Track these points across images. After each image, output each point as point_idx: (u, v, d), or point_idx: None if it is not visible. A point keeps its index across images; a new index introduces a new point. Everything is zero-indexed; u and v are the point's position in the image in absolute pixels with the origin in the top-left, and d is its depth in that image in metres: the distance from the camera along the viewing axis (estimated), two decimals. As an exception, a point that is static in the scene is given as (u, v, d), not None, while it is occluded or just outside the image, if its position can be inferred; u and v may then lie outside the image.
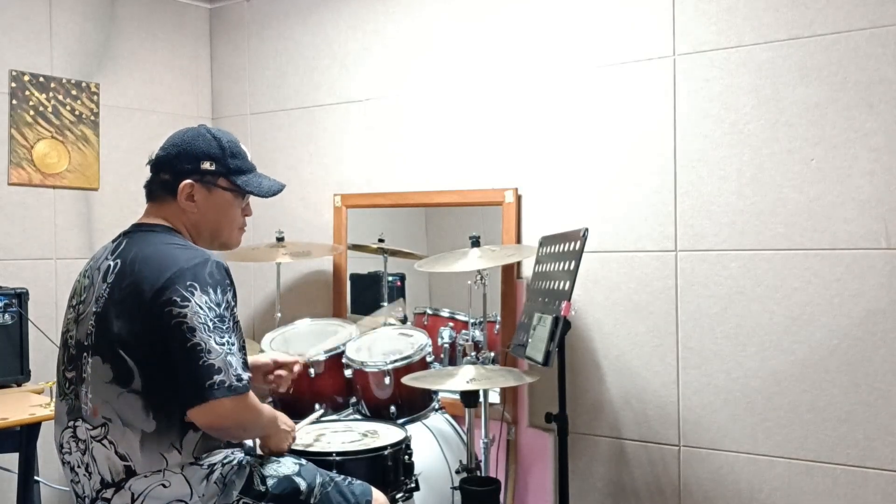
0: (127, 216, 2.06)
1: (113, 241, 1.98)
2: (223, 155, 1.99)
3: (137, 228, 1.98)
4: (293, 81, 3.78)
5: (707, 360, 2.73)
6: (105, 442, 1.81)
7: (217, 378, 1.74)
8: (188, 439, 1.83)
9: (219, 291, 1.81)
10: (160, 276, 1.79)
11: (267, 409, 1.98)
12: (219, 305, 1.80)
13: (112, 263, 1.89)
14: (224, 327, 1.80)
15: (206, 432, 1.83)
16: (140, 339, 1.79)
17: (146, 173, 2.04)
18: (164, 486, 1.80)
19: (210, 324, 1.77)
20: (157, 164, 2.01)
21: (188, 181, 1.96)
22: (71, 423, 1.89)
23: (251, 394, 1.83)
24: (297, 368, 2.26)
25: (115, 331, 1.81)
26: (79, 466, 1.87)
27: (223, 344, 1.77)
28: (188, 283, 1.78)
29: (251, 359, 2.21)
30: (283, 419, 2.09)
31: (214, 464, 1.86)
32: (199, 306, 1.77)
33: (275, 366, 2.23)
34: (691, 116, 2.74)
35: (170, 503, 1.80)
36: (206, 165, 1.97)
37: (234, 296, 1.87)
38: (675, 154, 2.78)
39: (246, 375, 1.80)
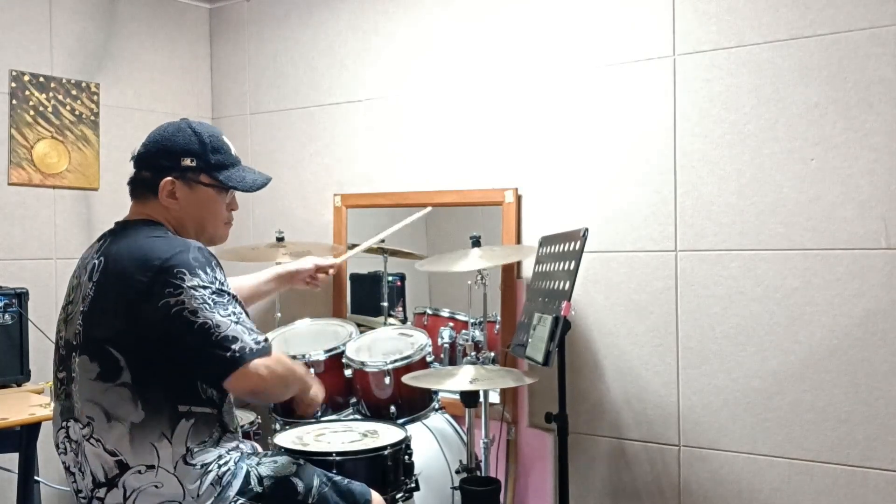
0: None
1: (98, 240, 1.98)
2: (204, 150, 1.96)
3: (121, 225, 1.98)
4: (293, 81, 3.78)
5: (707, 360, 2.73)
6: (93, 441, 1.81)
7: (236, 346, 1.76)
8: (179, 429, 1.82)
9: (208, 271, 1.82)
10: (144, 269, 1.79)
11: (297, 363, 2.01)
12: (212, 283, 1.81)
13: (97, 261, 1.89)
14: (224, 301, 1.80)
15: (250, 400, 1.85)
16: (127, 333, 1.79)
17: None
18: (156, 486, 1.79)
19: (210, 301, 1.78)
20: (139, 161, 1.99)
21: (168, 178, 1.94)
22: (64, 424, 1.89)
23: (276, 352, 1.86)
24: (332, 272, 2.63)
25: (102, 327, 1.81)
26: (74, 466, 1.88)
27: (228, 315, 1.78)
28: (175, 271, 1.78)
29: (294, 264, 2.61)
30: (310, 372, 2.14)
31: (209, 464, 1.85)
32: (193, 288, 1.77)
33: (316, 269, 2.58)
34: (691, 116, 2.74)
35: (162, 503, 1.80)
36: (187, 162, 1.94)
37: (223, 273, 1.87)
38: (675, 154, 2.77)
39: (262, 337, 1.83)
